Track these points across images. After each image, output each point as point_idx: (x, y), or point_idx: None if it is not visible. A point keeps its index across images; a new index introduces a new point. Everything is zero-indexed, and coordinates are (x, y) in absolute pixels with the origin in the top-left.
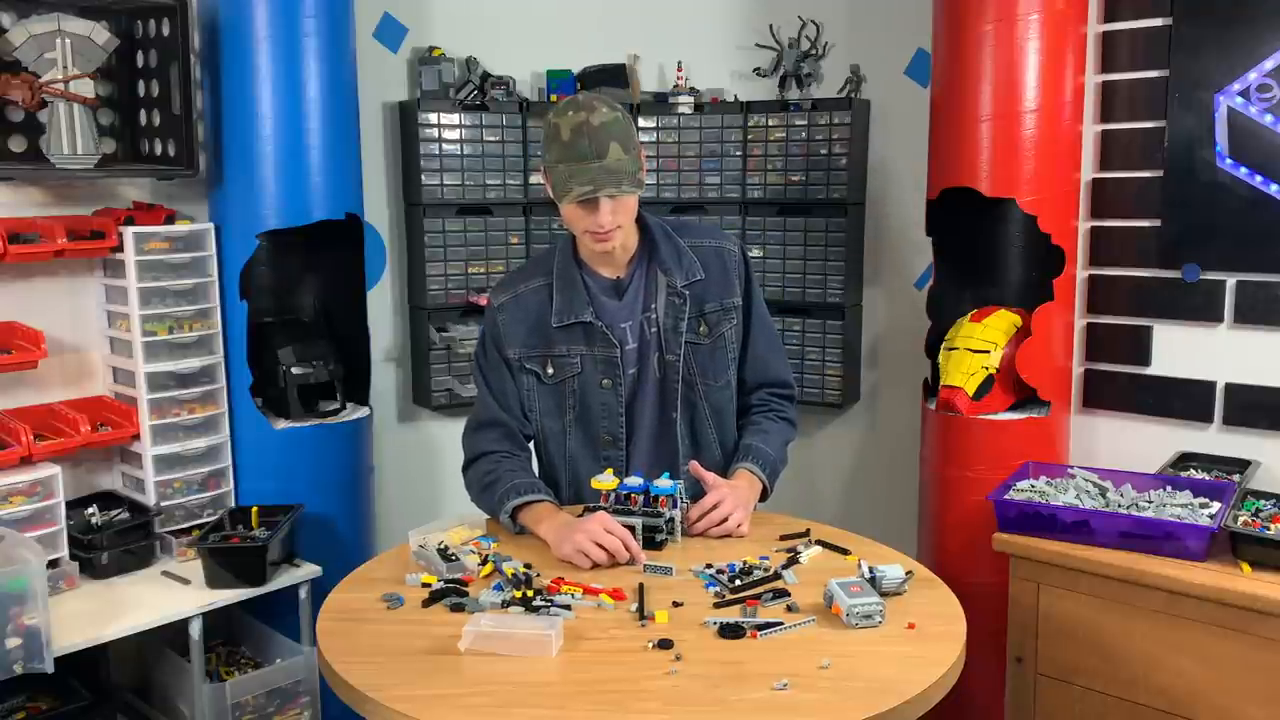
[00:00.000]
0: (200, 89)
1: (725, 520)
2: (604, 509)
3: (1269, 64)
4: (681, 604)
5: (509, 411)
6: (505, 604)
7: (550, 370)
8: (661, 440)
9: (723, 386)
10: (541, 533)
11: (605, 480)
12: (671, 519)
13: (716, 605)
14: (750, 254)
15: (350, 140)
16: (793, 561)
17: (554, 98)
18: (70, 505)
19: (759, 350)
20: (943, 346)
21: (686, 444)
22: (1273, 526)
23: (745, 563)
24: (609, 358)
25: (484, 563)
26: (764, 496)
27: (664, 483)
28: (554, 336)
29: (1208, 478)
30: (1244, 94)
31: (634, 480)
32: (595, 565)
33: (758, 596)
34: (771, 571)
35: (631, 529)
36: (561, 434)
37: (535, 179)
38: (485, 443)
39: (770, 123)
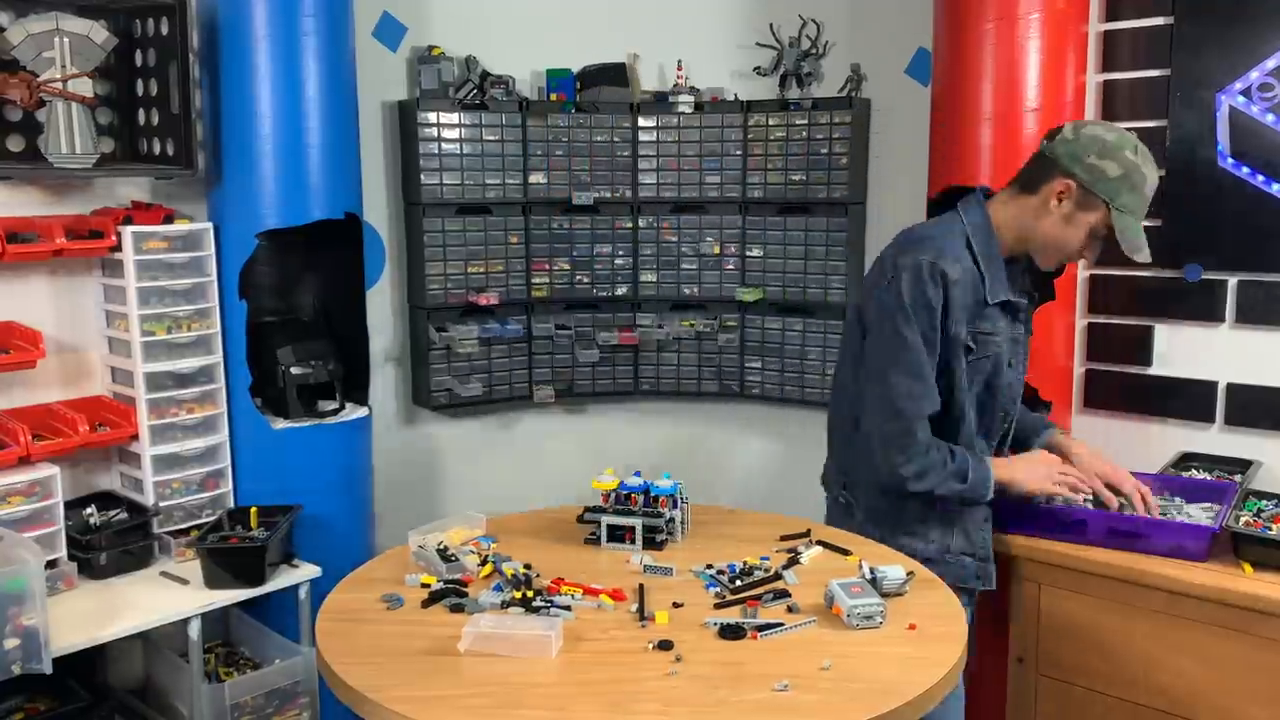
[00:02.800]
0: (199, 88)
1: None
2: (605, 509)
3: (1270, 63)
4: (682, 605)
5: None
6: (505, 605)
7: (975, 346)
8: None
9: None
10: (1010, 476)
11: (605, 480)
12: (672, 519)
13: (717, 606)
14: (750, 253)
15: (349, 139)
16: (793, 562)
17: (554, 96)
18: (68, 505)
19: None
20: None
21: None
22: (1274, 527)
23: (746, 563)
24: (1017, 337)
25: (483, 563)
26: None
27: (664, 483)
28: (984, 313)
29: (1209, 478)
30: (1245, 93)
31: (634, 480)
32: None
33: (758, 597)
34: (772, 572)
35: (631, 529)
36: (961, 408)
37: (535, 178)
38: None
39: (770, 122)
